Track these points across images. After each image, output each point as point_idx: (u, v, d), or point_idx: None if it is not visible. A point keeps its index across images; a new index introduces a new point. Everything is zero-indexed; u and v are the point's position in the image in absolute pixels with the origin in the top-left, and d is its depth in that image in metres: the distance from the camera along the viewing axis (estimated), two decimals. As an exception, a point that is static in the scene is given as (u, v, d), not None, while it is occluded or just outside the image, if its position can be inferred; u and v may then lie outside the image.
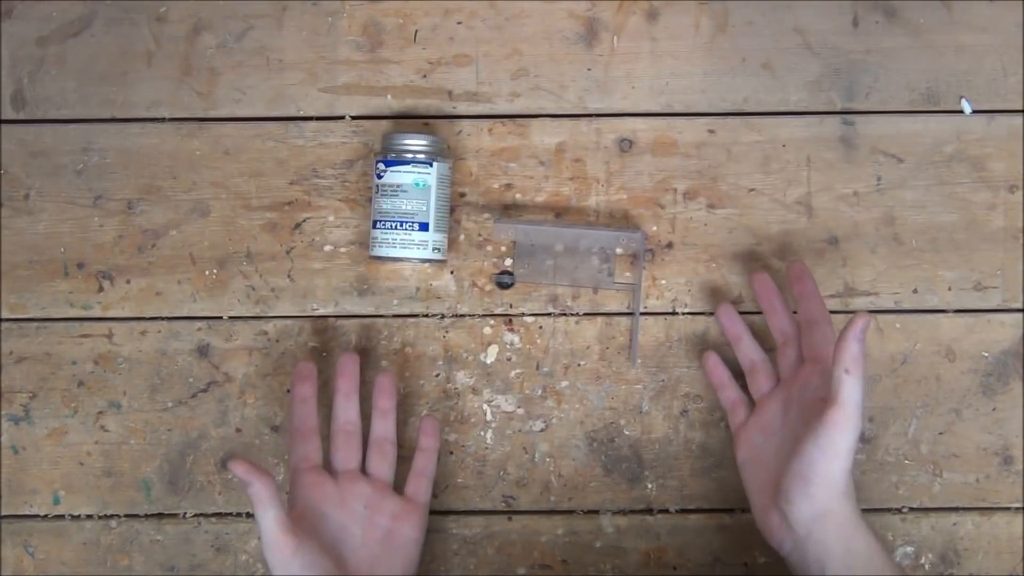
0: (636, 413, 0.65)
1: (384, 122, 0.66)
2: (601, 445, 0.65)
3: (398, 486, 0.62)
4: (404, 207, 0.61)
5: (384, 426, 0.61)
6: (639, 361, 0.65)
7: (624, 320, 0.65)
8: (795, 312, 0.62)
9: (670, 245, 0.65)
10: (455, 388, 0.65)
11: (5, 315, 0.65)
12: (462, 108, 0.66)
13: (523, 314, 0.65)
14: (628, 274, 0.65)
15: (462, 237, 0.65)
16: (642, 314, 0.65)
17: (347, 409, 0.61)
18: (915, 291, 0.65)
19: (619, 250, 0.64)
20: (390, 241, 0.61)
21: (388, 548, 0.59)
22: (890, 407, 0.65)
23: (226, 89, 0.66)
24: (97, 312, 0.65)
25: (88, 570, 0.65)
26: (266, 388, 0.65)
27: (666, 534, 0.65)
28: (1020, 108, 0.65)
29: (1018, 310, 0.65)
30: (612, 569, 0.65)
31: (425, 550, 0.64)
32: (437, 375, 0.65)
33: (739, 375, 0.63)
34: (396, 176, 0.61)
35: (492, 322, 0.65)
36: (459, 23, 0.66)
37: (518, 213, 0.65)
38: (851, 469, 0.55)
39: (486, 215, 0.65)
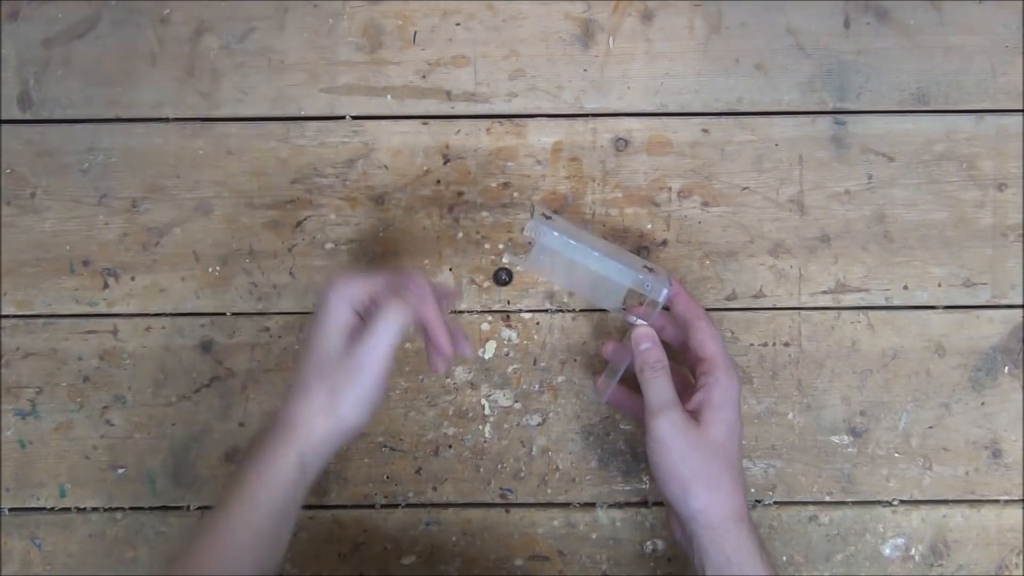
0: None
1: (385, 122, 0.67)
2: (597, 439, 0.66)
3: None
4: None
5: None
6: (606, 399, 0.63)
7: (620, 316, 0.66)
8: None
9: (664, 242, 0.66)
10: (454, 383, 0.66)
11: (12, 312, 0.66)
12: (460, 108, 0.67)
13: (520, 310, 0.66)
14: (641, 307, 0.61)
15: (460, 235, 0.66)
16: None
17: None
18: (905, 287, 0.66)
19: (639, 289, 0.60)
20: None
21: None
22: (881, 401, 0.66)
23: (229, 90, 0.67)
24: (102, 308, 0.66)
25: (94, 562, 0.66)
26: (268, 383, 0.66)
27: (661, 526, 0.66)
28: (1008, 108, 0.66)
29: (1006, 306, 0.66)
30: (608, 560, 0.66)
31: (424, 543, 0.66)
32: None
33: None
34: None
35: (490, 318, 0.66)
36: (457, 24, 0.67)
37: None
38: (703, 471, 0.55)
39: (484, 213, 0.66)
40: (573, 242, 0.59)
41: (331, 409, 0.54)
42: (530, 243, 0.60)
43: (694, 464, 0.55)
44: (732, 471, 0.56)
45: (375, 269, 0.57)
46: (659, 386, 0.57)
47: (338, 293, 0.55)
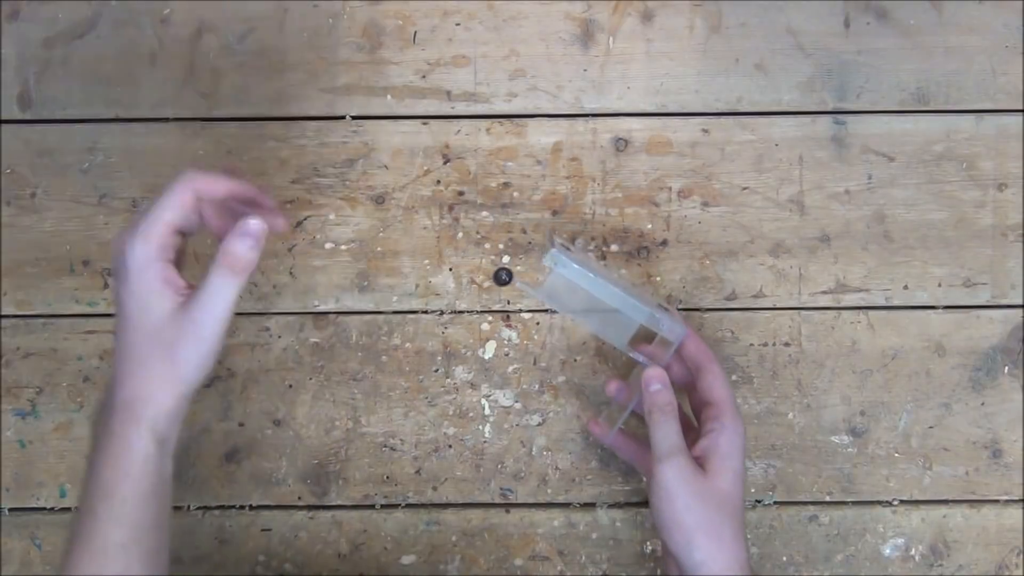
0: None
1: (385, 122, 0.67)
2: (597, 439, 0.66)
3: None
4: None
5: None
6: (609, 440, 0.63)
7: (620, 316, 0.66)
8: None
9: (665, 242, 0.66)
10: (454, 383, 0.66)
11: (12, 312, 0.66)
12: (460, 108, 0.67)
13: (520, 310, 0.66)
14: (650, 346, 0.61)
15: (460, 235, 0.66)
16: (637, 310, 0.66)
17: None
18: (905, 287, 0.66)
19: (652, 327, 0.61)
20: None
21: None
22: (881, 401, 0.66)
23: (229, 89, 0.67)
24: (102, 308, 0.66)
25: (94, 562, 0.66)
26: (268, 383, 0.66)
27: (661, 526, 0.66)
28: (1008, 108, 0.66)
29: (1006, 306, 0.66)
30: (608, 560, 0.66)
31: (424, 543, 0.66)
32: (436, 370, 0.66)
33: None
34: None
35: (490, 318, 0.66)
36: (457, 24, 0.67)
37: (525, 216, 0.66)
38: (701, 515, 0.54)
39: (484, 213, 0.66)
40: (591, 274, 0.60)
41: (173, 376, 0.50)
42: (546, 271, 0.60)
43: (699, 514, 0.54)
44: (735, 521, 0.55)
45: (154, 205, 0.51)
46: (667, 430, 0.56)
47: (138, 256, 0.50)
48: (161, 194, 0.51)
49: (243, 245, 0.50)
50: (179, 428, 0.52)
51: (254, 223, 0.50)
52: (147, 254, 0.50)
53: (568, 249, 0.61)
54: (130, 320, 0.51)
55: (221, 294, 0.50)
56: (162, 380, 0.50)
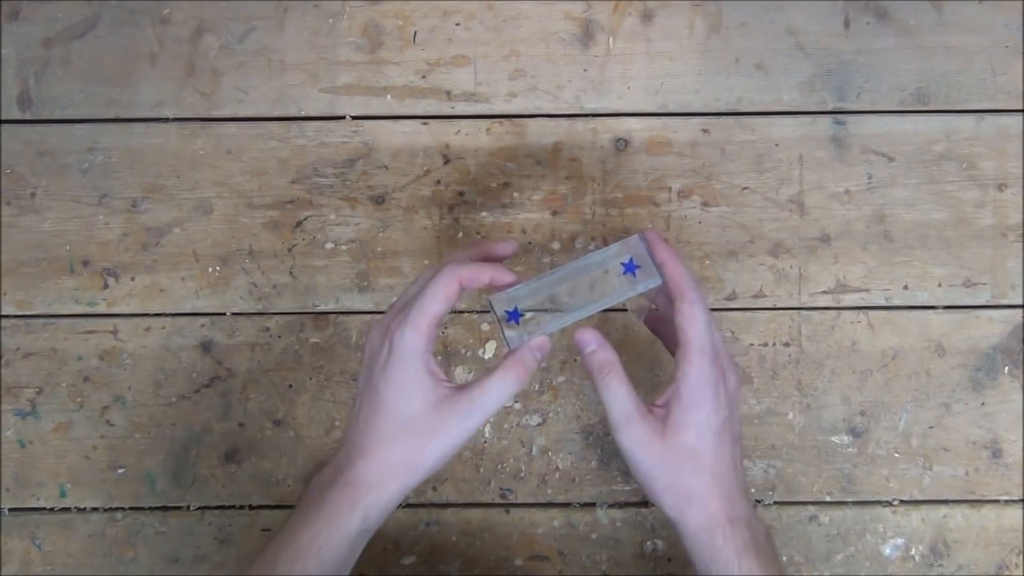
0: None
1: (385, 122, 0.67)
2: (597, 439, 0.66)
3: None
4: None
5: None
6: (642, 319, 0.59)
7: (620, 316, 0.66)
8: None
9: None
10: (454, 384, 0.66)
11: (12, 312, 0.66)
12: (460, 108, 0.67)
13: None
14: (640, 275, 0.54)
15: (460, 235, 0.66)
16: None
17: None
18: (905, 287, 0.66)
19: (621, 262, 0.53)
20: None
21: None
22: (881, 401, 0.66)
23: (229, 89, 0.67)
24: (102, 309, 0.66)
25: (94, 562, 0.66)
26: (268, 383, 0.66)
27: (660, 526, 0.66)
28: (1008, 108, 0.66)
29: (1006, 306, 0.66)
30: (608, 560, 0.66)
31: (424, 543, 0.66)
32: (436, 370, 0.66)
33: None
34: None
35: (490, 318, 0.66)
36: (457, 24, 0.67)
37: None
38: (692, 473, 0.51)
39: (484, 213, 0.66)
40: (550, 315, 0.53)
41: (413, 465, 0.50)
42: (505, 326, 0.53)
43: (662, 478, 0.52)
44: (705, 475, 0.51)
45: (423, 295, 0.51)
46: (614, 395, 0.52)
47: (407, 345, 0.50)
48: (429, 284, 0.51)
49: (533, 358, 0.51)
50: (383, 521, 0.51)
51: (545, 343, 0.52)
52: (416, 345, 0.50)
53: (513, 310, 0.53)
54: (385, 404, 0.50)
55: (499, 394, 0.51)
56: (397, 469, 0.50)
